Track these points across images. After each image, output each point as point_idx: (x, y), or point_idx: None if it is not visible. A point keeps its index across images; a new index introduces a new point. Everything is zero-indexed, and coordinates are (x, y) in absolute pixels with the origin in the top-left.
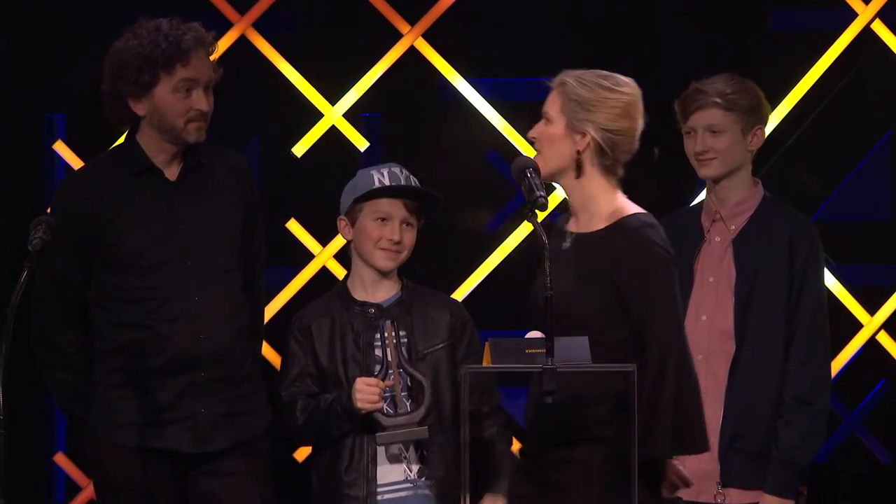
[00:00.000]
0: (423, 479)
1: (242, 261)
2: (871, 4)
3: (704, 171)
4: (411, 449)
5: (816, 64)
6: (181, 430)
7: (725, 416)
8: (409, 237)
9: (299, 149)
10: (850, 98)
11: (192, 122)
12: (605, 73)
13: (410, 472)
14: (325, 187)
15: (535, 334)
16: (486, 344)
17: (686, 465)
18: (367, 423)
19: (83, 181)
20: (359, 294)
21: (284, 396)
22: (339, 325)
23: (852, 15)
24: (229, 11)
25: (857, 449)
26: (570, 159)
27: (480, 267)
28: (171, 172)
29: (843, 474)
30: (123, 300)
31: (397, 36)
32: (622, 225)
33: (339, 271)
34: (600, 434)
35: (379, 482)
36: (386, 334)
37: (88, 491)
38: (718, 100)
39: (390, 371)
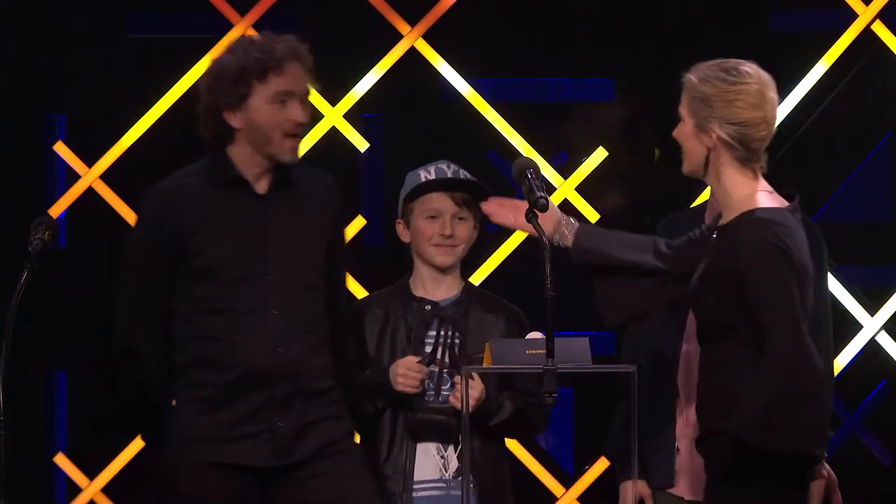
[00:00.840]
0: (460, 479)
1: (325, 279)
2: (871, 5)
3: None
4: (450, 449)
5: (817, 64)
6: (258, 444)
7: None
8: (462, 230)
9: (300, 149)
10: (851, 99)
11: (288, 137)
12: (728, 63)
13: (446, 471)
14: None
15: (535, 335)
16: (487, 345)
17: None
18: (405, 402)
19: (171, 190)
20: (418, 292)
21: None
22: (393, 318)
23: (853, 16)
24: (229, 12)
25: (857, 449)
26: (704, 157)
27: (481, 267)
28: (261, 186)
29: (844, 474)
30: (203, 311)
31: (398, 36)
32: (740, 221)
33: None
34: (725, 426)
35: (414, 479)
36: (433, 332)
37: (89, 491)
38: None
39: (432, 366)
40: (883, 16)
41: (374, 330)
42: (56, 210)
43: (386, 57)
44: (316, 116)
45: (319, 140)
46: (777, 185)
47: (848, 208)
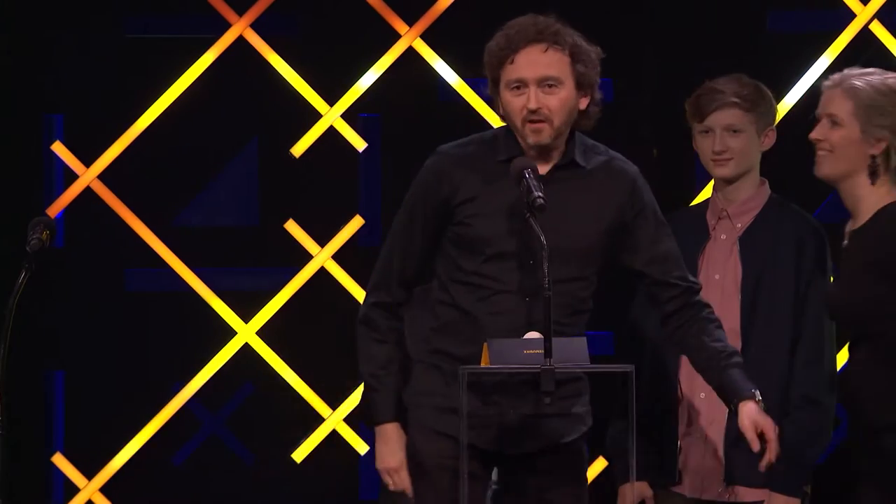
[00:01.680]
0: None
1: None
2: (869, 5)
3: (721, 171)
4: None
5: (815, 64)
6: (485, 426)
7: (731, 413)
8: None
9: (298, 149)
10: None
11: (527, 123)
12: (886, 73)
13: None
14: (323, 188)
15: (533, 335)
16: (484, 345)
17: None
18: None
19: (453, 157)
20: None
21: None
22: None
23: (850, 16)
24: (227, 12)
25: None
26: (863, 163)
27: None
28: (543, 167)
29: (841, 475)
30: (458, 281)
31: (395, 36)
32: (882, 211)
33: (337, 272)
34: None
35: None
36: None
37: (86, 491)
38: (738, 100)
39: None
40: (881, 16)
41: None
42: (54, 210)
43: (384, 57)
44: (565, 98)
45: (318, 140)
46: (774, 184)
47: (845, 209)
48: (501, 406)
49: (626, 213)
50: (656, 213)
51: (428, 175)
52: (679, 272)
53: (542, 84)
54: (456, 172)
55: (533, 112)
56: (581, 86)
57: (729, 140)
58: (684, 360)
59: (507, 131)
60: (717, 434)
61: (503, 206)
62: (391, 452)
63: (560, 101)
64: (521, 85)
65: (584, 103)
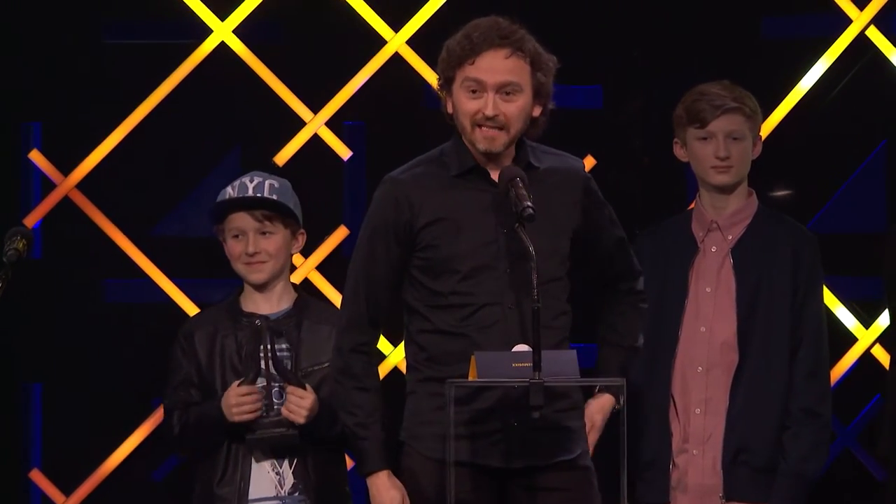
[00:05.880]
0: (297, 493)
1: (598, 268)
2: (865, 10)
3: (722, 179)
4: (285, 464)
5: (810, 71)
6: (491, 443)
7: (728, 428)
8: (270, 245)
9: (281, 158)
10: (845, 106)
11: (479, 128)
12: None
13: (282, 488)
14: (307, 197)
15: (522, 348)
16: (472, 357)
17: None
18: (238, 428)
19: (404, 183)
20: (248, 306)
21: (166, 405)
22: (222, 335)
23: (846, 21)
24: (210, 18)
25: (851, 464)
26: None
27: None
28: (495, 172)
29: (838, 490)
30: (437, 305)
31: (381, 42)
32: None
33: (321, 283)
34: None
35: (250, 497)
36: (267, 346)
37: None
38: (740, 105)
39: (260, 378)
40: (877, 21)
41: (204, 349)
42: (31, 220)
43: (369, 64)
44: (521, 108)
45: (302, 149)
46: (768, 193)
47: (842, 218)
48: (505, 419)
49: (586, 210)
50: (608, 207)
51: (384, 203)
52: (623, 266)
53: (501, 91)
54: (413, 196)
55: (489, 119)
56: (538, 95)
57: (731, 146)
58: (677, 374)
59: (455, 143)
60: (714, 450)
61: (468, 221)
62: (390, 499)
63: (518, 109)
64: (478, 88)
65: (537, 111)
